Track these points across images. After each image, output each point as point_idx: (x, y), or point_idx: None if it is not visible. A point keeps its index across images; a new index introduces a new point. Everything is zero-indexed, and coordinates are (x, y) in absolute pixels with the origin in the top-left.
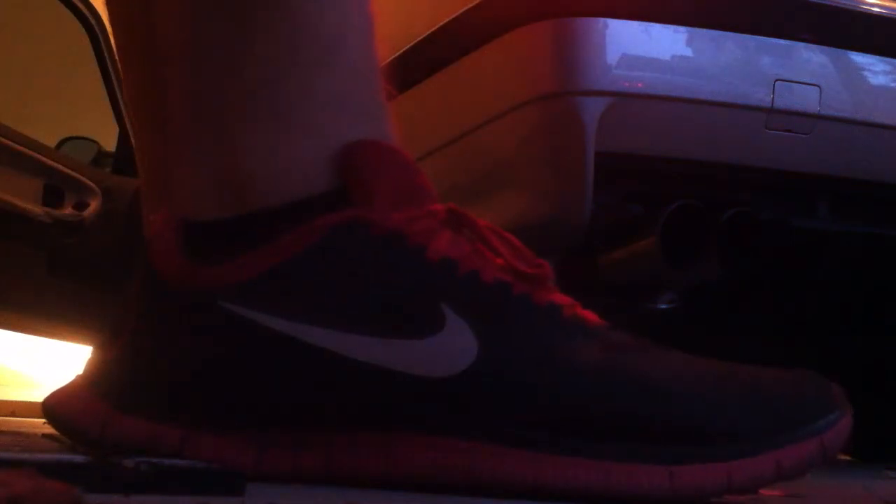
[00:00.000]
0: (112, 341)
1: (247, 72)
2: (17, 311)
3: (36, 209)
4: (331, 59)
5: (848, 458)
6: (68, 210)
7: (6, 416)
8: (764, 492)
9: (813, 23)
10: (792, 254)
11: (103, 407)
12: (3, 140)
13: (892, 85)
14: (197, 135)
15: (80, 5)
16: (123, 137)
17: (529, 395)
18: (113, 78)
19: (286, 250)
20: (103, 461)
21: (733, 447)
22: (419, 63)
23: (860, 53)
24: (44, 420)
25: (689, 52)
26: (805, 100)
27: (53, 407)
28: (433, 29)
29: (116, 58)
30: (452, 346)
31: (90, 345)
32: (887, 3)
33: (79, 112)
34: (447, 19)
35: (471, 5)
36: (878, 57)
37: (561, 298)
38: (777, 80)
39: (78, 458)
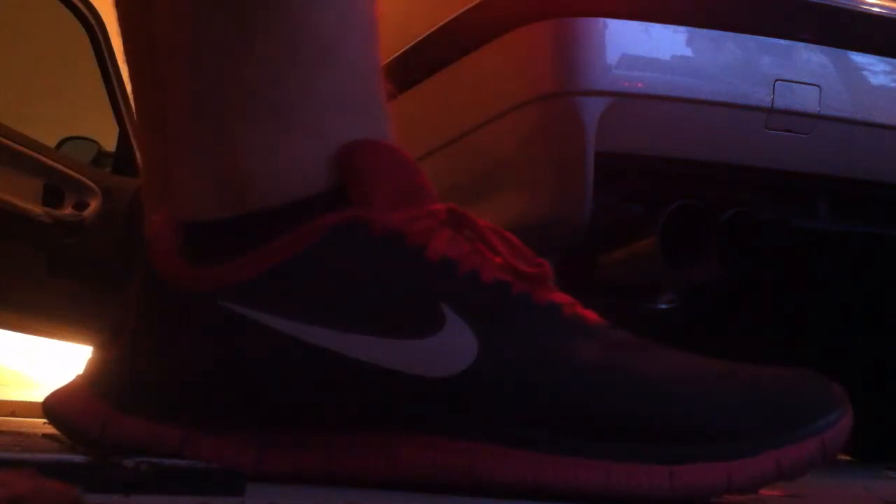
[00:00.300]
0: (112, 341)
1: (247, 72)
2: (17, 311)
3: (36, 209)
4: (331, 59)
5: (848, 458)
6: (68, 210)
7: (6, 416)
8: (764, 492)
9: (813, 23)
10: (792, 254)
11: (103, 407)
12: (3, 140)
13: (892, 85)
14: (197, 135)
15: (80, 5)
16: (123, 137)
17: (529, 394)
18: (113, 78)
19: (286, 250)
20: (103, 461)
21: (733, 447)
22: (419, 63)
23: (860, 53)
24: (44, 420)
25: (689, 52)
26: (805, 100)
27: (53, 407)
28: (433, 29)
29: (117, 58)
30: (452, 346)
31: (90, 345)
32: (887, 3)
33: (79, 112)
34: (447, 19)
35: (471, 5)
36: (878, 57)
37: (561, 297)
38: (777, 80)
39: (78, 458)
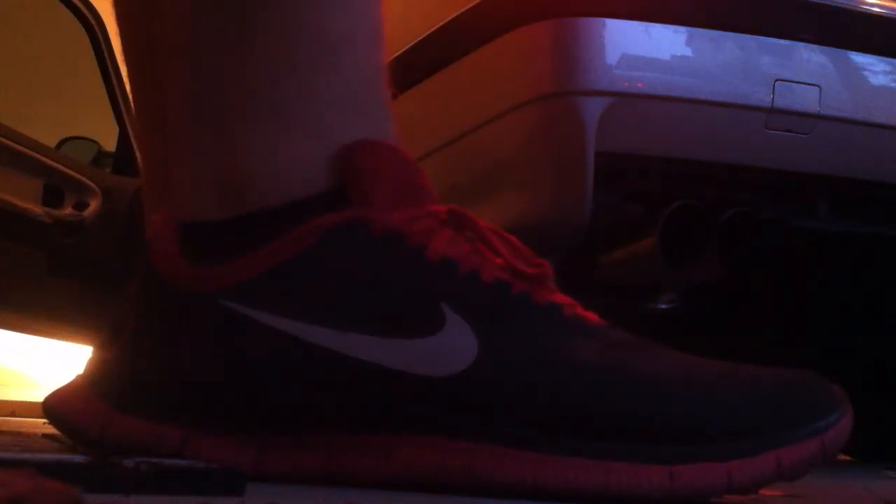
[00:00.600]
0: (112, 341)
1: (247, 72)
2: (17, 311)
3: (36, 209)
4: (335, 60)
5: (848, 458)
6: (68, 210)
7: (6, 416)
8: (764, 492)
9: (813, 23)
10: (792, 254)
11: (103, 407)
12: (3, 140)
13: (892, 85)
14: (197, 135)
15: (80, 5)
16: (123, 137)
17: (529, 394)
18: (113, 78)
19: (286, 250)
20: (103, 461)
21: (733, 447)
22: (419, 63)
23: (860, 53)
24: (44, 420)
25: (689, 52)
26: (805, 100)
27: (53, 407)
28: (433, 29)
29: (117, 58)
30: (452, 346)
31: (90, 345)
32: (887, 3)
33: (79, 112)
34: (447, 19)
35: (471, 5)
36: (878, 57)
37: (561, 298)
38: (777, 80)
39: (78, 458)
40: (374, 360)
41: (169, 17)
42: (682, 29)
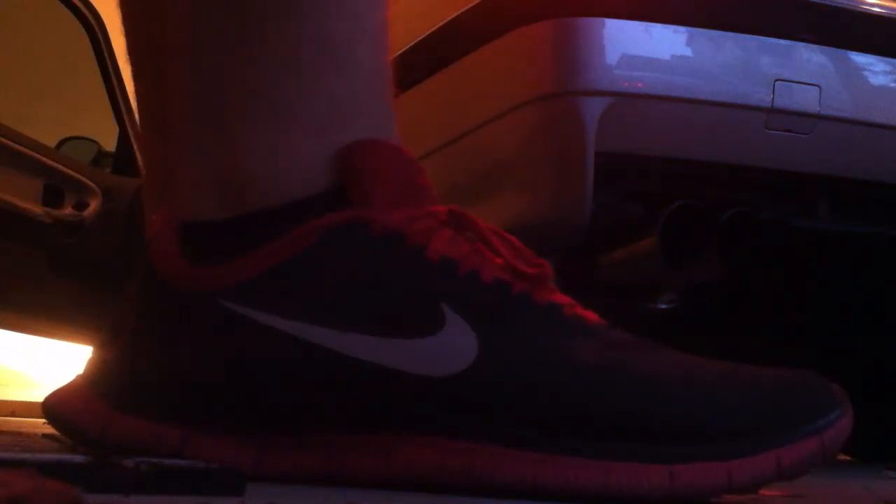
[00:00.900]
0: (112, 341)
1: (247, 72)
2: (17, 311)
3: (36, 209)
4: (335, 60)
5: (848, 458)
6: (68, 210)
7: (6, 416)
8: (764, 492)
9: (813, 23)
10: (792, 254)
11: (103, 407)
12: (3, 140)
13: (892, 85)
14: (197, 135)
15: (80, 5)
16: (123, 137)
17: (529, 394)
18: (113, 78)
19: (286, 250)
20: (103, 461)
21: (733, 446)
22: (419, 63)
23: (860, 53)
24: (44, 420)
25: (689, 52)
26: (805, 100)
27: (53, 407)
28: (433, 29)
29: (117, 58)
30: (452, 346)
31: (90, 345)
32: (887, 3)
33: (79, 112)
34: (447, 19)
35: (471, 5)
36: (878, 57)
37: (561, 298)
38: (777, 80)
39: (78, 458)
40: (374, 360)
41: (169, 17)
42: (682, 29)
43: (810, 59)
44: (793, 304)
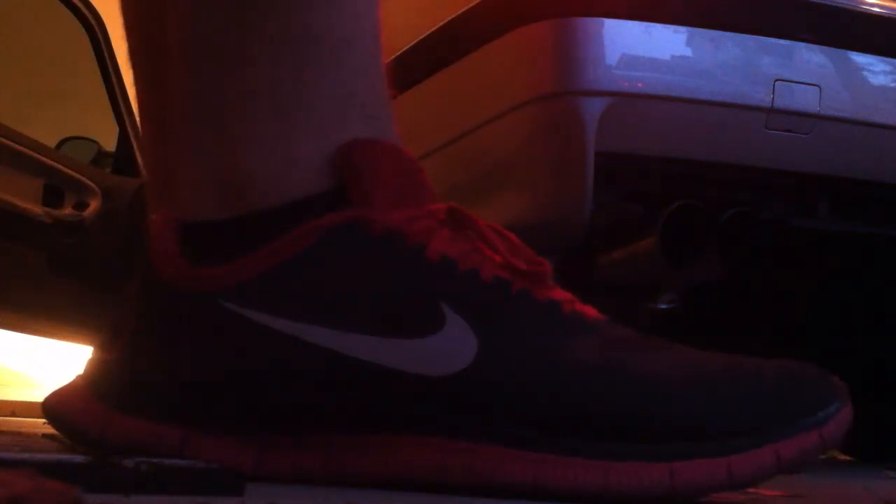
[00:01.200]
0: (112, 341)
1: (247, 72)
2: (17, 311)
3: (36, 209)
4: (335, 60)
5: (848, 458)
6: (68, 210)
7: (6, 416)
8: (765, 492)
9: (813, 23)
10: (792, 254)
11: (103, 407)
12: (3, 140)
13: (892, 85)
14: (197, 135)
15: (80, 5)
16: (123, 137)
17: (529, 394)
18: (113, 78)
19: (286, 250)
20: (103, 461)
21: (733, 441)
22: (419, 63)
23: (860, 53)
24: (44, 420)
25: (689, 52)
26: (805, 100)
27: (53, 407)
28: (433, 29)
29: (117, 58)
30: (452, 345)
31: (90, 345)
32: (887, 3)
33: (79, 112)
34: (447, 19)
35: (471, 5)
36: (878, 57)
37: (560, 295)
38: (777, 80)
39: (78, 458)
40: (374, 360)
41: (169, 17)
42: (682, 29)
43: (810, 59)
44: (793, 304)
